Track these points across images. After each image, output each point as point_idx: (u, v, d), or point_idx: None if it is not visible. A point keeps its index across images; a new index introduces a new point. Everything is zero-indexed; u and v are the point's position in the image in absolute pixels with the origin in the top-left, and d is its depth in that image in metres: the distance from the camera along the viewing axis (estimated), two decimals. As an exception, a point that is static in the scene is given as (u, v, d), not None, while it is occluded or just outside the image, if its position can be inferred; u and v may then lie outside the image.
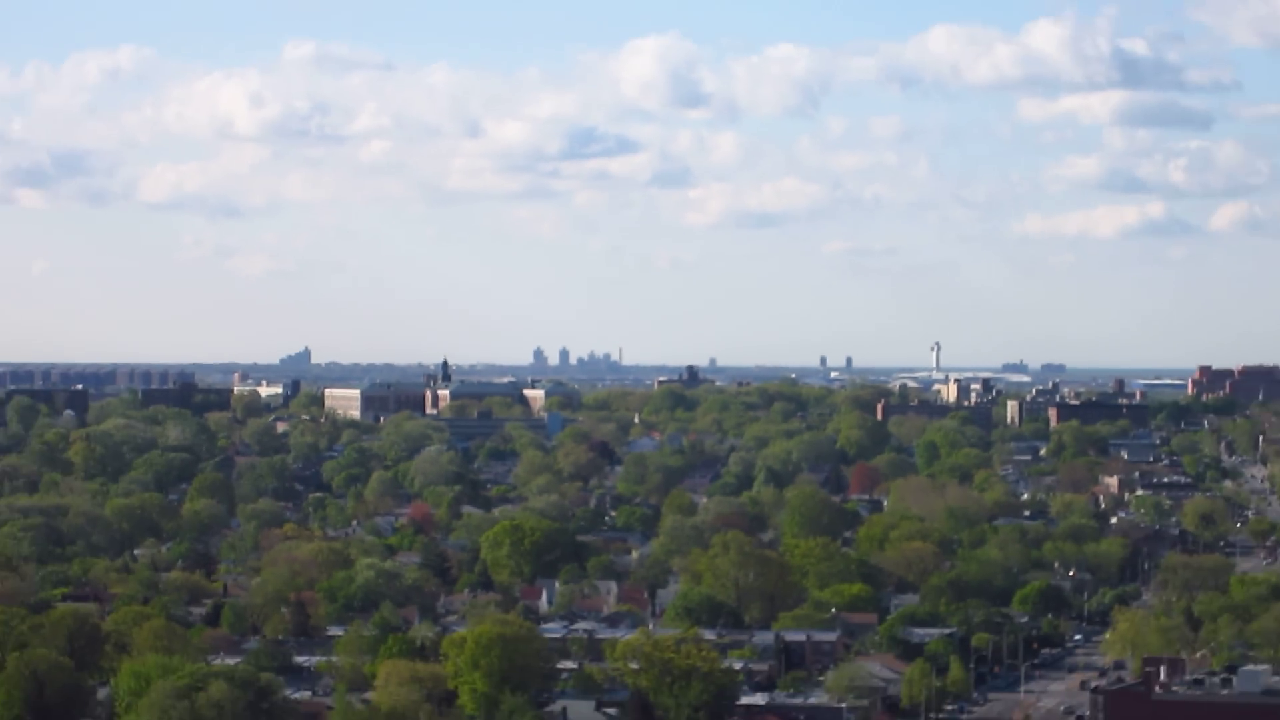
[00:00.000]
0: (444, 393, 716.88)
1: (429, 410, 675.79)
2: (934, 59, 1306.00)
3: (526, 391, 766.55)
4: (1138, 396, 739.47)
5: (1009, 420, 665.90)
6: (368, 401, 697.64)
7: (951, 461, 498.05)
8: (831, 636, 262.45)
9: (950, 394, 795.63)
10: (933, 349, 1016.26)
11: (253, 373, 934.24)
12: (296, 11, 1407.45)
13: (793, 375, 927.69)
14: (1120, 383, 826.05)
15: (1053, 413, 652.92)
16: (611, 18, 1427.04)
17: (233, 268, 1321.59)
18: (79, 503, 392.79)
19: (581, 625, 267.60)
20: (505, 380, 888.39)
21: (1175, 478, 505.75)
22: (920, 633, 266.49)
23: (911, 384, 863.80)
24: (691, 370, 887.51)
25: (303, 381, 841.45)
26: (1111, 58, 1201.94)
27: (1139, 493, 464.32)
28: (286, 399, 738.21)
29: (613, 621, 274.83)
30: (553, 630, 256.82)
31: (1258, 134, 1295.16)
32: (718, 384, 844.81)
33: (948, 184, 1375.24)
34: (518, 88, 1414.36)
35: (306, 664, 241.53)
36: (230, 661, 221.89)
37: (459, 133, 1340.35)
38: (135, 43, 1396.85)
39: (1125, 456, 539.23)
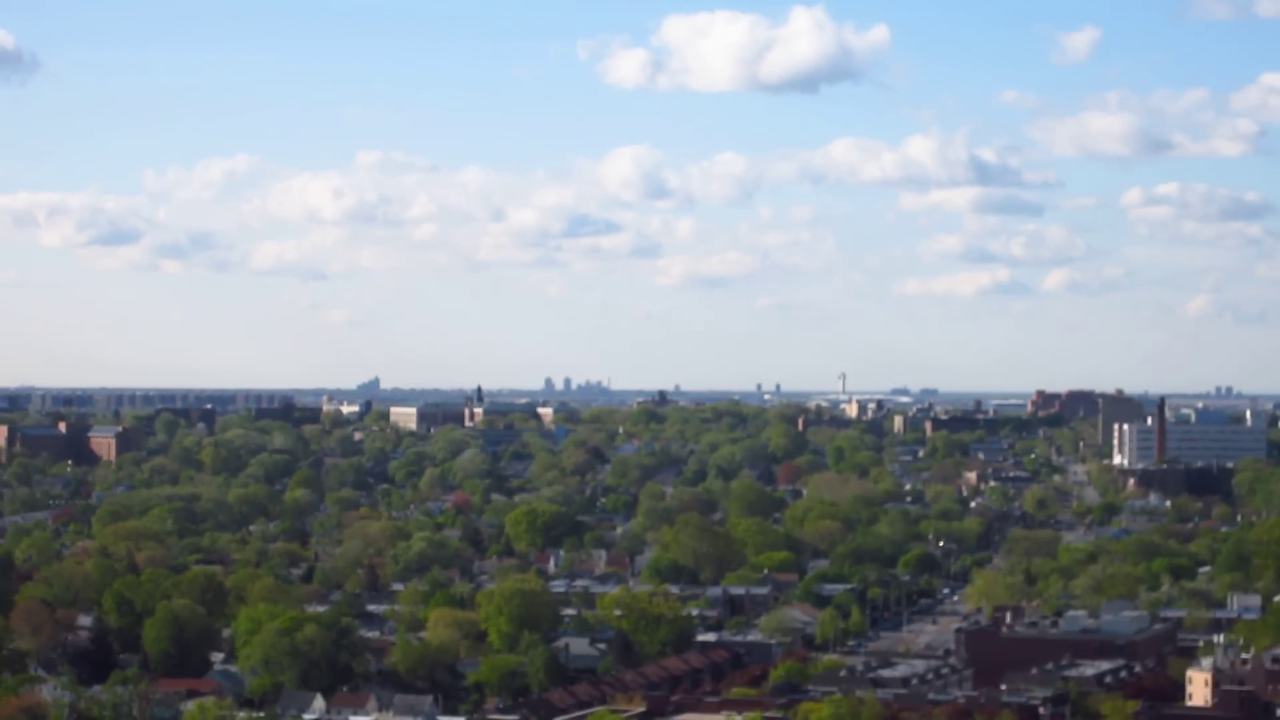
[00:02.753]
0: (478, 410, 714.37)
1: (467, 423, 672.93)
2: (837, 163, 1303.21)
3: (540, 410, 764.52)
4: (990, 413, 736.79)
5: (896, 430, 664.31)
6: (422, 417, 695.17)
7: (853, 461, 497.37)
8: (764, 591, 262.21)
9: (853, 411, 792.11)
10: (840, 378, 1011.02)
11: (336, 395, 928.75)
12: (366, 129, 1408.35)
13: (736, 398, 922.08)
14: (978, 403, 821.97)
15: (928, 425, 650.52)
16: (599, 133, 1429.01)
17: (321, 318, 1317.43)
18: (208, 492, 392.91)
19: (579, 582, 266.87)
20: (523, 401, 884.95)
21: (1018, 473, 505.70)
22: (830, 588, 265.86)
23: (824, 404, 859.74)
24: (662, 394, 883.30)
25: (374, 402, 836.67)
26: (968, 163, 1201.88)
27: (991, 484, 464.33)
28: (362, 415, 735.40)
29: (602, 580, 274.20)
30: (558, 586, 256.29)
31: (1076, 220, 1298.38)
32: (681, 404, 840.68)
33: (848, 255, 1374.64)
34: (530, 184, 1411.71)
35: (376, 611, 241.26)
36: (319, 609, 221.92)
37: (487, 218, 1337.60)
38: (248, 152, 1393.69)
39: (981, 457, 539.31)
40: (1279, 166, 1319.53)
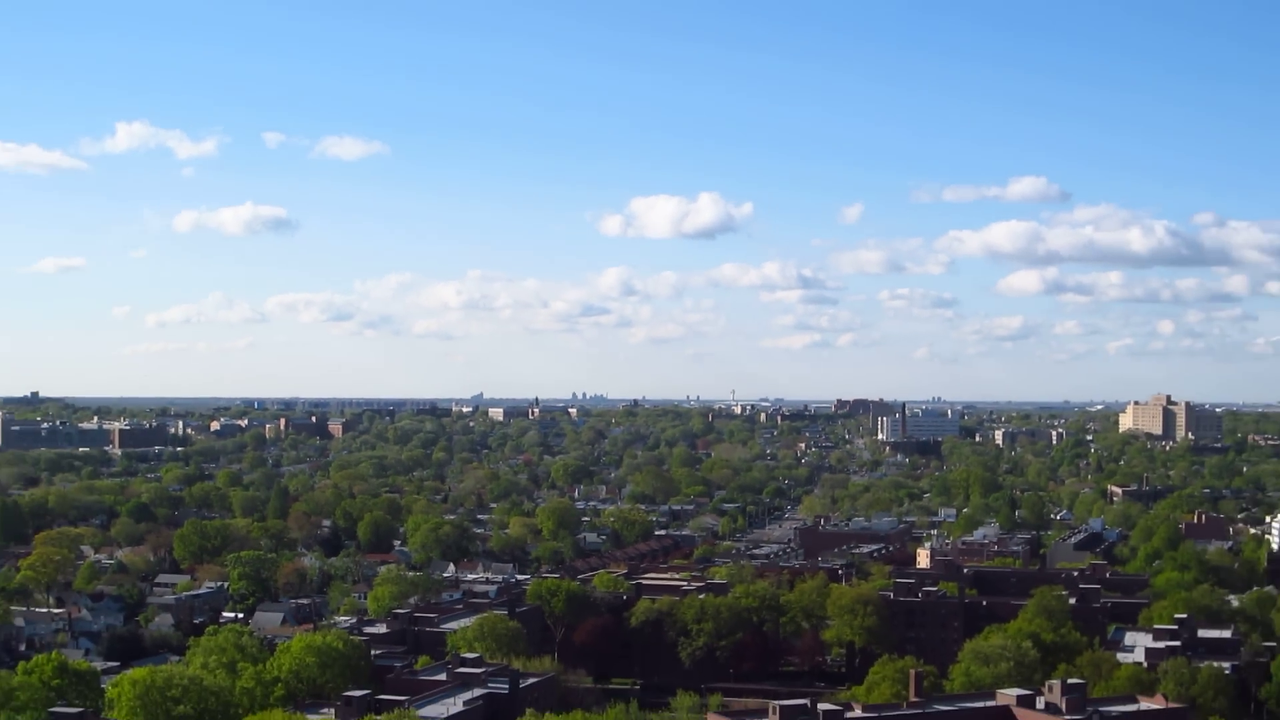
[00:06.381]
0: (536, 410, 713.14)
1: (530, 417, 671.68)
2: (726, 277, 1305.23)
3: (569, 409, 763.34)
4: (812, 411, 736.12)
5: (762, 421, 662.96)
6: (506, 414, 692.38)
7: (739, 438, 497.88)
8: (691, 508, 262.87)
9: (739, 410, 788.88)
10: (732, 392, 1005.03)
11: (459, 403, 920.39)
12: (473, 257, 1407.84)
13: (676, 404, 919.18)
14: (806, 406, 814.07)
15: (779, 418, 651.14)
16: (597, 260, 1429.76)
17: (452, 360, 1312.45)
18: (391, 454, 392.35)
19: (591, 503, 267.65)
20: (561, 405, 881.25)
21: (827, 444, 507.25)
22: (726, 506, 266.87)
23: (723, 407, 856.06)
24: (635, 401, 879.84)
25: (479, 406, 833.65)
26: (797, 276, 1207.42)
27: (813, 449, 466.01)
28: (473, 413, 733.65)
29: (604, 501, 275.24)
30: (580, 505, 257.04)
31: (855, 307, 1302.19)
32: (646, 407, 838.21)
33: (734, 326, 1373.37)
34: (561, 288, 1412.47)
35: (482, 518, 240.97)
36: (451, 517, 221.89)
37: (538, 306, 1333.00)
38: (410, 270, 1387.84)
39: (808, 435, 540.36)
40: (962, 281, 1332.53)
